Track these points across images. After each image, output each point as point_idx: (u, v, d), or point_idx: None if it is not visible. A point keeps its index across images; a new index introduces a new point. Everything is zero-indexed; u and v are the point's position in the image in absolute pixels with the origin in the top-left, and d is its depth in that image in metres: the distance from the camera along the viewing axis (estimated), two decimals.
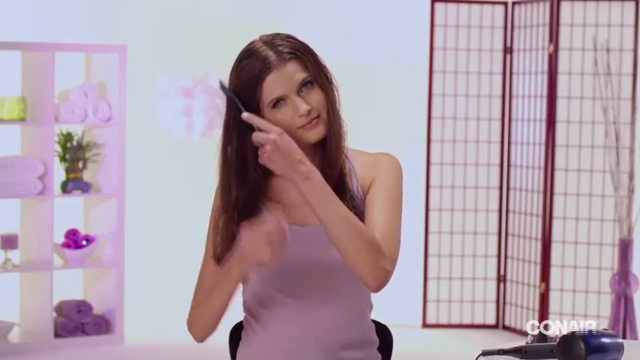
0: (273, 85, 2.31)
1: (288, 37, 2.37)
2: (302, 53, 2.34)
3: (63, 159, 5.83)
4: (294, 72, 2.32)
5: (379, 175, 2.40)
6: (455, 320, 6.39)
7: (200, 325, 2.42)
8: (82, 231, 6.05)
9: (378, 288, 2.29)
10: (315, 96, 2.34)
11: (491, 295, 6.37)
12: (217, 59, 5.65)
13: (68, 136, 5.83)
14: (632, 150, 5.76)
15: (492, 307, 6.38)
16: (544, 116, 6.07)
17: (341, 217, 2.25)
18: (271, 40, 2.35)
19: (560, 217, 6.07)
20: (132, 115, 6.07)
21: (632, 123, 5.82)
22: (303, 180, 2.23)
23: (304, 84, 2.33)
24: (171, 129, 5.76)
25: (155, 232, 6.67)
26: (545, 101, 6.05)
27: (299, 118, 2.31)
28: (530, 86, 6.18)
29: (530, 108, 6.17)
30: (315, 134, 2.34)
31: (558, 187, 6.05)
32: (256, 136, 2.24)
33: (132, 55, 6.02)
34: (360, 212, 2.36)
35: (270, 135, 2.22)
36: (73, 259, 5.84)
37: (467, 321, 6.40)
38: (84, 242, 5.91)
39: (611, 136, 5.76)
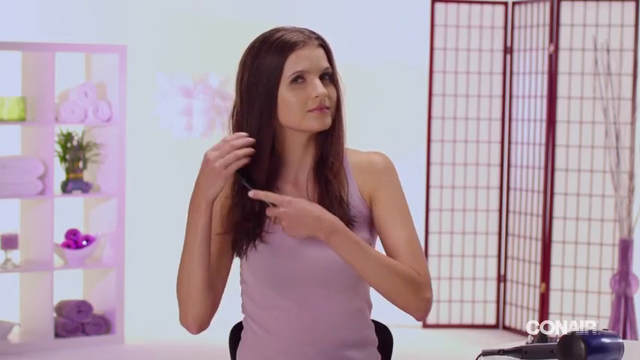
0: (301, 59, 2.33)
1: (311, 31, 2.41)
2: (327, 46, 2.40)
3: (63, 159, 5.80)
4: (321, 57, 2.35)
5: (382, 187, 2.40)
6: (455, 320, 6.38)
7: (187, 304, 2.35)
8: (82, 231, 6.01)
9: (423, 317, 2.37)
10: (330, 90, 2.36)
11: (492, 295, 6.36)
12: (217, 59, 5.78)
13: (68, 136, 5.80)
14: (632, 150, 5.72)
15: (492, 307, 6.36)
16: (544, 116, 6.03)
17: (375, 262, 2.30)
18: (298, 29, 2.39)
19: (560, 217, 6.05)
20: (132, 115, 6.03)
21: (632, 123, 5.78)
22: (329, 236, 2.27)
23: (324, 74, 2.36)
24: (171, 129, 5.73)
25: (155, 232, 6.60)
26: (545, 101, 6.01)
27: (312, 100, 2.32)
28: (530, 86, 6.14)
29: (530, 108, 6.14)
30: (320, 122, 2.34)
31: (558, 187, 6.03)
32: (270, 212, 2.27)
33: (132, 55, 5.98)
34: (352, 218, 2.37)
35: (280, 209, 2.25)
36: (73, 259, 5.80)
37: (467, 321, 6.39)
38: (84, 242, 5.86)
39: (611, 136, 5.72)
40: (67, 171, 5.83)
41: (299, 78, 2.32)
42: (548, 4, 5.97)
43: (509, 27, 6.24)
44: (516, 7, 6.20)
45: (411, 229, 2.39)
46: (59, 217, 5.80)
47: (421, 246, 2.40)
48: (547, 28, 5.97)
